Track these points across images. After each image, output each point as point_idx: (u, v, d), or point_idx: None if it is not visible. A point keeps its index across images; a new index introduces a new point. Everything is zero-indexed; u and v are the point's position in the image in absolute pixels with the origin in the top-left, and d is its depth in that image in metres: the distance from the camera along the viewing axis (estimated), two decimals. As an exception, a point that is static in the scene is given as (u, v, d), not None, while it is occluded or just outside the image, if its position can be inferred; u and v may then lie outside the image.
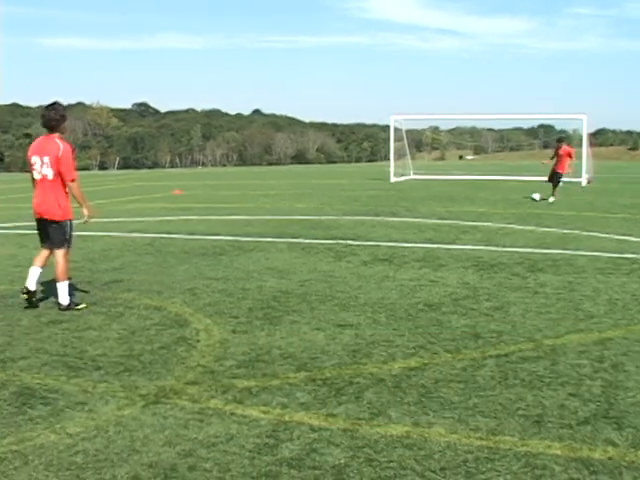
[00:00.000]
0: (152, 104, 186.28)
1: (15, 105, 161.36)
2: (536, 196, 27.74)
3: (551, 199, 26.75)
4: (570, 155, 28.14)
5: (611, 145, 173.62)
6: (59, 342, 7.96)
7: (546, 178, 28.78)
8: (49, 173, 9.68)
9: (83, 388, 6.42)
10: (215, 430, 5.41)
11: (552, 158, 28.42)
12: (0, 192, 39.69)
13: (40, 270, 9.77)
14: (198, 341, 7.88)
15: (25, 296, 9.60)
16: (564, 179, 29.04)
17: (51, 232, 9.75)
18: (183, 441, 5.22)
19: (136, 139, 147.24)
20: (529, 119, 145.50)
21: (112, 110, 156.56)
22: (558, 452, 4.98)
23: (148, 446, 5.15)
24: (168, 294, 10.33)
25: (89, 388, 6.42)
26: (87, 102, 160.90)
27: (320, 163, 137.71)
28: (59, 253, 9.70)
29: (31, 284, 9.67)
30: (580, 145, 44.83)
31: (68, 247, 9.83)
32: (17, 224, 21.07)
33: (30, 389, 6.44)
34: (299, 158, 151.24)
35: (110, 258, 13.81)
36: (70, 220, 9.81)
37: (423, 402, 5.97)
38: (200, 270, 12.21)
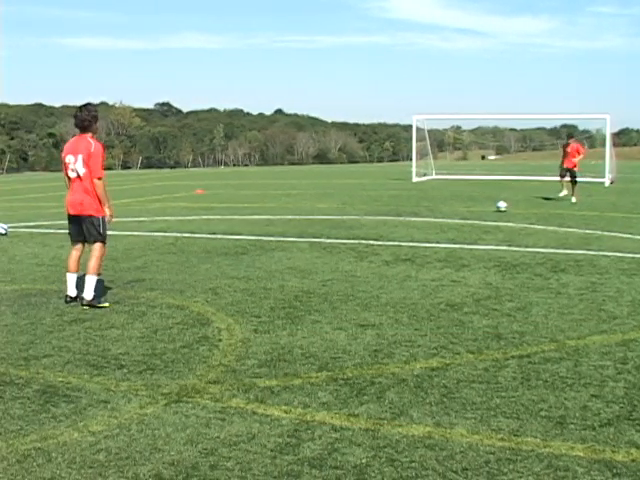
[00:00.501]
0: (174, 104, 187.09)
1: (39, 105, 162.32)
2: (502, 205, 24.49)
3: (573, 199, 26.59)
4: (579, 152, 27.93)
5: (635, 145, 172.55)
6: (82, 340, 8.01)
7: (558, 177, 28.54)
8: (82, 171, 9.82)
9: (106, 386, 6.46)
10: (237, 429, 5.42)
11: (563, 157, 28.30)
12: (23, 192, 39.92)
13: (76, 275, 10.00)
14: (220, 340, 7.90)
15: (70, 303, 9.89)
16: (581, 179, 28.78)
17: (87, 228, 9.92)
18: (205, 440, 5.23)
19: (159, 139, 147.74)
20: (552, 119, 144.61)
21: (135, 110, 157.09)
22: (581, 454, 4.96)
23: (170, 444, 5.17)
24: (190, 293, 10.36)
25: (112, 386, 6.45)
26: (110, 102, 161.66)
27: (342, 163, 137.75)
28: (97, 247, 9.95)
29: (72, 291, 9.95)
30: (603, 145, 44.61)
31: (104, 243, 10.04)
32: (39, 223, 21.19)
33: (53, 387, 6.48)
34: (321, 158, 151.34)
35: (133, 257, 13.87)
36: (104, 216, 9.97)
37: (445, 402, 5.95)
38: (222, 269, 12.24)
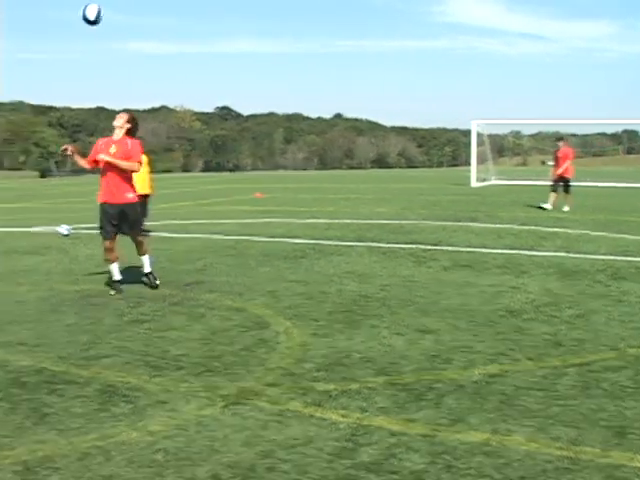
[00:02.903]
0: (234, 108, 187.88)
1: (100, 108, 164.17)
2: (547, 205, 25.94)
3: (565, 208, 25.63)
4: (569, 156, 26.76)
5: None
6: (141, 341, 8.09)
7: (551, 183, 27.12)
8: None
9: (165, 387, 6.52)
10: (294, 432, 5.44)
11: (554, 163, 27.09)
12: (84, 194, 40.40)
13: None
14: (278, 343, 7.93)
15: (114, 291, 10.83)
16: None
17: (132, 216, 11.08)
18: (262, 442, 5.26)
19: (218, 142, 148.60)
20: (613, 124, 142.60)
21: (195, 113, 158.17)
22: (641, 464, 4.90)
23: (228, 446, 5.20)
24: (249, 296, 10.42)
25: (171, 387, 6.51)
26: (171, 106, 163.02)
27: (401, 167, 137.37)
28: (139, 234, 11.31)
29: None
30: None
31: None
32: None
33: (113, 387, 6.56)
34: (380, 162, 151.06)
35: (192, 259, 13.98)
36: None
37: (503, 409, 5.91)
38: (281, 273, 12.28)
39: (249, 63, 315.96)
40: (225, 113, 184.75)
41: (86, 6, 11.01)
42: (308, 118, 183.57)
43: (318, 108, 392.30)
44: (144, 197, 18.83)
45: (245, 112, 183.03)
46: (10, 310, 9.80)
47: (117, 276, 10.97)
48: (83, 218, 23.55)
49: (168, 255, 14.66)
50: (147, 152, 19.29)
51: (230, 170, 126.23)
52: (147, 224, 18.84)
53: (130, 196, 11.01)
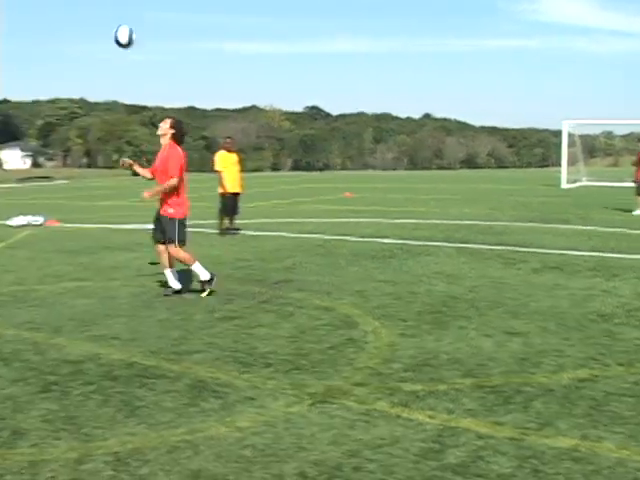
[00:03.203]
0: (323, 107, 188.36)
1: (192, 108, 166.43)
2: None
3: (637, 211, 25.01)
4: None
5: None
6: (231, 338, 8.19)
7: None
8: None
9: (253, 384, 6.58)
10: (381, 432, 5.44)
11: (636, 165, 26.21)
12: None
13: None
14: (366, 343, 7.94)
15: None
16: None
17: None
18: (349, 441, 5.28)
19: (307, 142, 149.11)
20: None
21: (284, 113, 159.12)
22: None
23: (314, 444, 5.23)
24: (338, 295, 10.45)
25: (259, 384, 6.58)
26: (261, 105, 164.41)
27: (490, 168, 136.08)
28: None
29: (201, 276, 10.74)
30: None
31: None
32: (193, 222, 21.69)
33: (203, 382, 6.65)
34: (469, 162, 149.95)
35: (281, 258, 14.08)
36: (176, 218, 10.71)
37: (593, 415, 5.82)
38: (369, 272, 12.29)
39: (339, 63, 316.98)
40: (314, 113, 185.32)
41: (118, 28, 10.76)
42: (397, 118, 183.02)
43: (407, 108, 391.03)
44: (235, 195, 19.09)
45: (334, 112, 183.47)
46: (104, 305, 10.03)
47: (204, 275, 10.74)
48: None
49: (257, 253, 14.80)
50: (237, 151, 19.55)
51: (319, 170, 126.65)
52: (237, 222, 19.09)
53: (169, 211, 10.59)
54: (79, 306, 10.00)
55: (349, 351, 7.61)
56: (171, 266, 10.72)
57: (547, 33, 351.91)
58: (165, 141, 10.65)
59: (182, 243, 10.60)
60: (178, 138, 10.72)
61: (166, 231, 10.52)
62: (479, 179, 62.66)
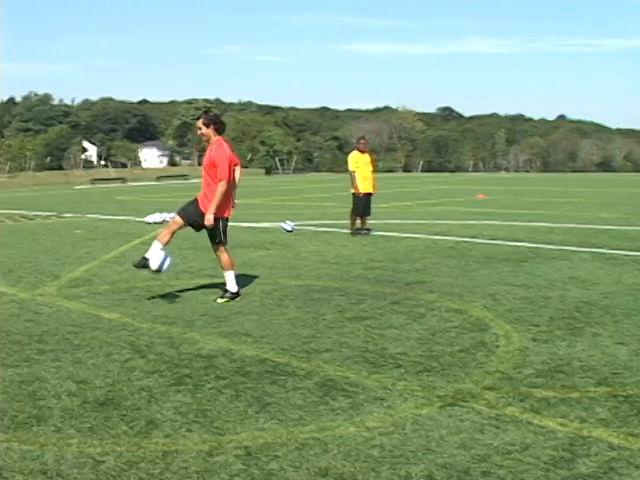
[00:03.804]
0: (456, 108, 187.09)
1: (325, 109, 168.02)
2: None
3: None
4: None
5: None
6: (361, 338, 8.22)
7: None
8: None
9: (383, 384, 6.59)
10: (510, 438, 5.38)
11: None
12: (309, 191, 41.35)
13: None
14: (497, 347, 7.85)
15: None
16: None
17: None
18: (478, 445, 5.23)
19: (439, 143, 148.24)
20: None
21: (417, 114, 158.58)
22: None
23: (443, 447, 5.21)
24: (469, 298, 10.37)
25: (388, 385, 6.58)
26: (393, 106, 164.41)
27: (627, 172, 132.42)
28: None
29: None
30: None
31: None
32: (324, 222, 21.94)
33: (332, 381, 6.70)
34: (604, 166, 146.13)
35: (413, 259, 14.05)
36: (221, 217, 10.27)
37: None
38: (501, 276, 12.15)
39: (472, 63, 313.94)
40: (447, 114, 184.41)
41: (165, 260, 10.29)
42: (530, 119, 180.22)
43: (541, 109, 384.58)
44: (367, 196, 19.16)
45: (467, 113, 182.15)
46: (236, 301, 10.21)
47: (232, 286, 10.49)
48: (307, 215, 24.16)
49: (389, 254, 14.81)
50: (370, 152, 19.58)
51: (451, 171, 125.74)
52: (369, 222, 19.15)
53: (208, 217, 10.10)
54: (212, 302, 10.21)
55: (480, 354, 7.54)
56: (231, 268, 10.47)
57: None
58: (209, 142, 10.32)
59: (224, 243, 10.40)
60: (221, 130, 10.36)
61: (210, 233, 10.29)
62: (615, 183, 61.06)
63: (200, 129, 10.25)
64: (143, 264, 10.28)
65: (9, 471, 4.86)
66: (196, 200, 10.34)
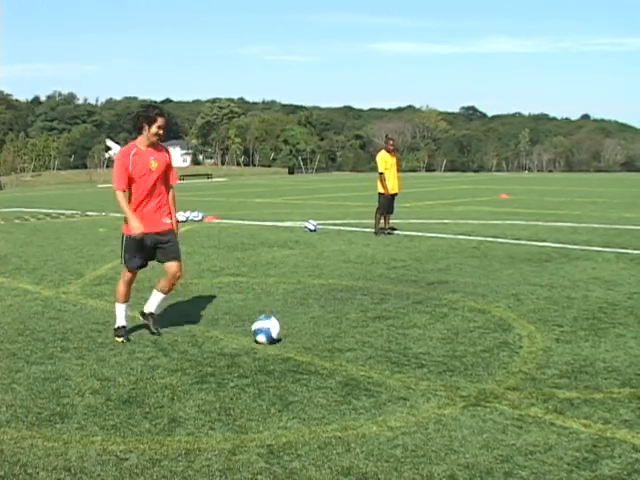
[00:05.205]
0: (479, 108, 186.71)
1: (348, 108, 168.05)
2: None
3: None
4: None
5: None
6: (384, 337, 8.21)
7: None
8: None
9: (405, 384, 6.59)
10: (533, 438, 5.36)
11: None
12: (331, 190, 41.35)
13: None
14: (521, 347, 7.83)
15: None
16: None
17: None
18: (501, 446, 5.22)
19: (463, 142, 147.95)
20: None
21: (440, 113, 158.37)
22: None
23: (465, 447, 5.20)
24: (492, 298, 10.33)
25: (411, 384, 6.57)
26: (417, 105, 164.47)
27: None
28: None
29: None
30: None
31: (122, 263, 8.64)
32: (346, 221, 21.94)
33: (355, 380, 6.70)
34: (629, 166, 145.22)
35: (436, 259, 14.02)
36: (123, 234, 8.52)
37: None
38: (525, 276, 12.10)
39: (496, 63, 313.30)
40: (470, 113, 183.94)
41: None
42: (554, 119, 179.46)
43: (565, 109, 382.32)
44: (392, 195, 19.14)
45: (490, 112, 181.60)
46: (259, 300, 10.23)
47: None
48: (330, 214, 24.16)
49: (412, 253, 14.79)
50: (392, 151, 19.52)
51: (474, 170, 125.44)
52: (392, 222, 19.14)
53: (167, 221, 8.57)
54: (235, 301, 10.24)
55: (503, 355, 7.52)
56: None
57: None
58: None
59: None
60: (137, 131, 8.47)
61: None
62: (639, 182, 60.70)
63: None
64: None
65: (33, 467, 4.89)
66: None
